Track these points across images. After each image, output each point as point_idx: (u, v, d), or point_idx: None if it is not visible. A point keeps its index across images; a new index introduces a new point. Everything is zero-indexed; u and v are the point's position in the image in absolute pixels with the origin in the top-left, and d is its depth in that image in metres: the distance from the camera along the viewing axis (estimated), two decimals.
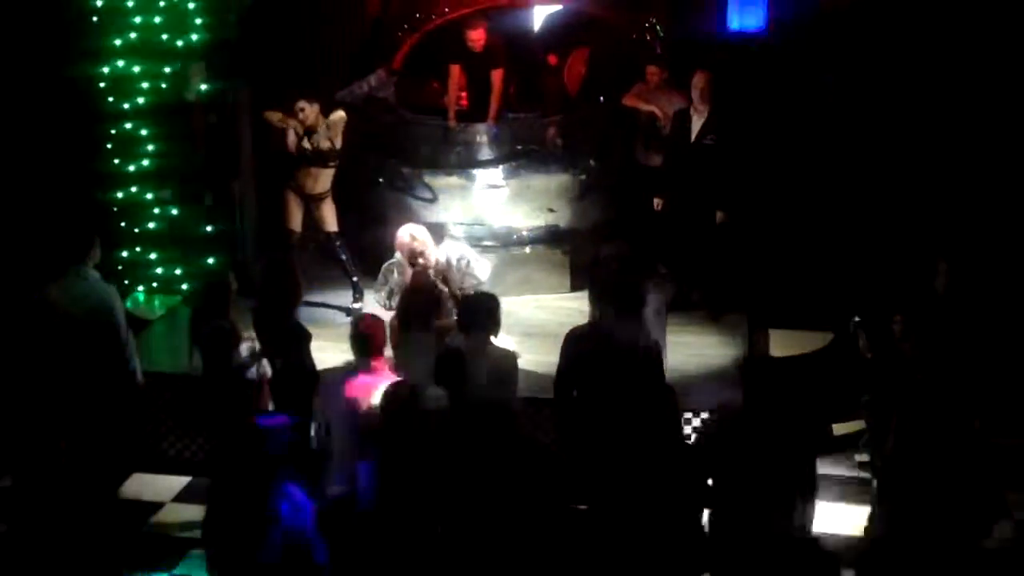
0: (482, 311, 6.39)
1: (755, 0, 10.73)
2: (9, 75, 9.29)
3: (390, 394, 5.49)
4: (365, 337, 6.23)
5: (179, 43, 9.26)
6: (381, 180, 9.58)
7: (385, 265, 7.87)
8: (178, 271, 9.65)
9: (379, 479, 5.16)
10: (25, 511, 5.75)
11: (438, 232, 8.35)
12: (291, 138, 8.82)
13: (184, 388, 7.28)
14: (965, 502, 4.87)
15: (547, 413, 7.16)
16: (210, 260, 9.52)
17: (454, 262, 7.71)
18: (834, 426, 7.99)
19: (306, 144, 8.81)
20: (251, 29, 9.66)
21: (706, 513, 5.57)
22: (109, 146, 9.42)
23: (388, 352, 6.72)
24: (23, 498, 5.82)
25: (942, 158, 9.77)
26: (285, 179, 9.08)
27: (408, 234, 7.69)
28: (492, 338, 6.36)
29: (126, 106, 9.31)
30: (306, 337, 6.86)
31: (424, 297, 7.15)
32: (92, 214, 9.17)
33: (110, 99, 9.32)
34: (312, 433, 6.37)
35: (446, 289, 7.47)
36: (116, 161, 9.44)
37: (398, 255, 7.77)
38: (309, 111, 8.74)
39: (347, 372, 6.19)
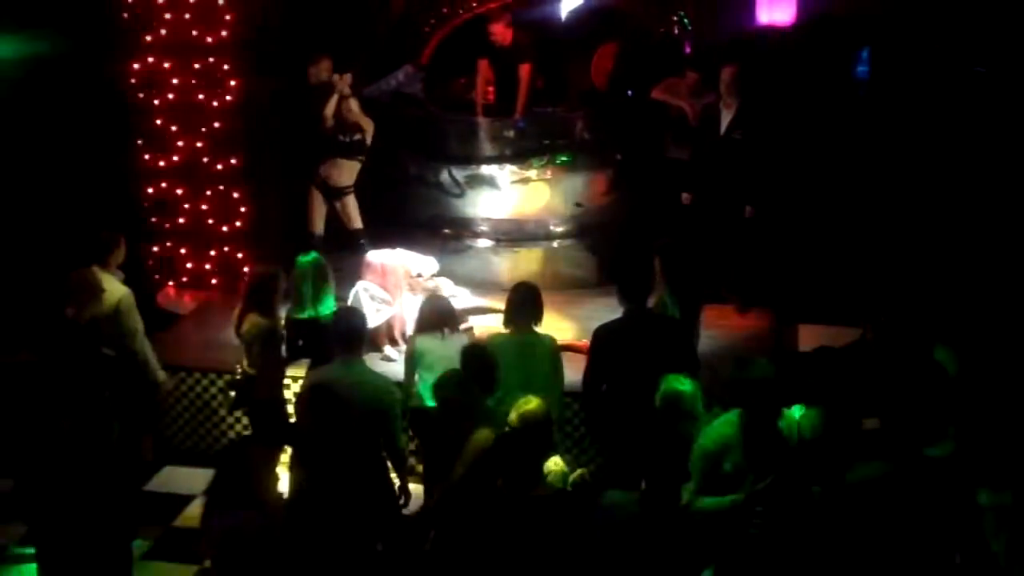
0: (529, 301, 6.58)
1: None
2: (47, 72, 9.35)
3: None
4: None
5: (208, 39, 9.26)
6: (410, 175, 9.60)
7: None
8: (207, 266, 9.68)
9: None
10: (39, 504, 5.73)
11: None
12: (331, 105, 8.86)
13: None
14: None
15: (576, 408, 7.22)
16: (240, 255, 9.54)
17: None
18: (865, 421, 7.93)
19: (342, 136, 8.94)
20: (277, 25, 9.66)
21: None
22: (139, 141, 9.47)
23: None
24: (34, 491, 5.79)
25: (973, 153, 9.69)
26: (310, 174, 9.11)
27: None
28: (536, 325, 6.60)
29: (156, 102, 9.33)
30: None
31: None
32: (122, 209, 9.19)
33: (141, 95, 9.36)
34: None
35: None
36: (147, 156, 9.48)
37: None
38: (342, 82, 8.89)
39: None
